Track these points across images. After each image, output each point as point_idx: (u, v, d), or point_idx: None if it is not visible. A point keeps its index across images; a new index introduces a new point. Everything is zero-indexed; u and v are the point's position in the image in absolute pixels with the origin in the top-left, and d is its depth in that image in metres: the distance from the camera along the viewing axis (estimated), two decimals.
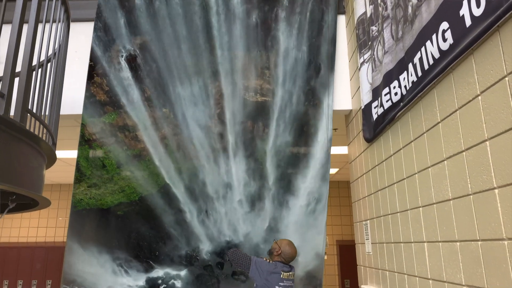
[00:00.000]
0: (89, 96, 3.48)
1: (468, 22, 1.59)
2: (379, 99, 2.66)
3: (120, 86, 3.52)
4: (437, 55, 1.86)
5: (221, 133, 3.49)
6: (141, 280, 3.34)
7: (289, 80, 3.54)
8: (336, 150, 5.21)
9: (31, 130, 1.90)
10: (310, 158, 3.47)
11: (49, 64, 2.32)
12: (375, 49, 2.81)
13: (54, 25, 2.28)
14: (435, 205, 1.98)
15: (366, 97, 2.98)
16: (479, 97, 1.60)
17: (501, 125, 1.46)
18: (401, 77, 2.32)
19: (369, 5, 2.96)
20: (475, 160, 1.63)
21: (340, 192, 7.90)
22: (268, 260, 2.94)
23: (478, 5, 1.52)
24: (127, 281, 3.33)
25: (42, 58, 2.37)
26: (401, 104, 2.32)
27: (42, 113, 2.13)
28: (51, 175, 7.18)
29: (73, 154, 5.28)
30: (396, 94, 2.40)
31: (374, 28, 2.85)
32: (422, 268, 2.13)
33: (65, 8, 2.42)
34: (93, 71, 3.52)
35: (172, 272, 3.37)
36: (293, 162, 3.46)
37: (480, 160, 1.59)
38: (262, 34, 3.59)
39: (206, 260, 3.40)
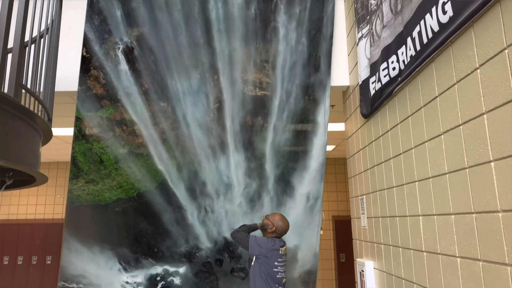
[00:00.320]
0: (86, 89, 3.40)
1: None
2: (377, 74, 2.64)
3: (117, 79, 3.44)
4: (436, 28, 1.84)
5: (220, 128, 3.44)
6: (140, 276, 3.33)
7: (288, 74, 3.47)
8: (333, 127, 5.20)
9: (26, 106, 1.88)
10: (308, 156, 3.45)
11: (42, 40, 2.28)
12: (374, 24, 2.77)
13: (46, 0, 2.22)
14: (431, 179, 1.99)
15: (364, 73, 2.96)
16: (478, 70, 1.59)
17: (499, 98, 1.45)
18: (399, 52, 2.30)
19: None
20: (472, 134, 1.63)
21: (336, 169, 7.99)
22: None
23: None
24: (125, 277, 3.32)
25: (35, 34, 2.32)
26: (399, 79, 2.31)
27: (37, 90, 2.10)
28: (47, 153, 7.16)
29: (69, 131, 5.26)
30: (394, 69, 2.38)
31: (372, 1, 2.80)
32: (416, 241, 2.16)
33: None
34: (90, 64, 3.42)
35: (171, 268, 3.36)
36: (293, 159, 3.43)
37: (477, 133, 1.60)
38: (261, 26, 3.50)
39: (205, 257, 3.39)
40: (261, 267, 2.82)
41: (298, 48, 3.48)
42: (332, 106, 4.21)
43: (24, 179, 2.35)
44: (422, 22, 1.97)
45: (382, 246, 2.71)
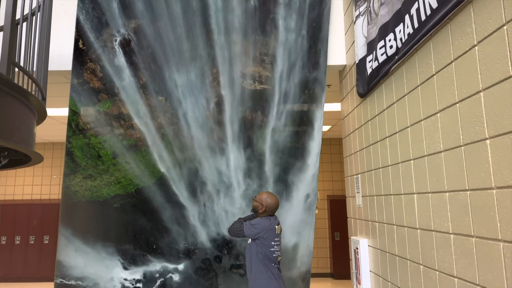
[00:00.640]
0: (83, 82, 3.32)
1: None
2: (374, 52, 2.62)
3: (114, 72, 3.35)
4: (435, 5, 1.81)
5: (219, 122, 3.39)
6: (138, 273, 3.31)
7: (288, 68, 3.42)
8: (329, 107, 5.20)
9: (20, 85, 1.86)
10: (307, 152, 3.43)
11: (34, 17, 2.23)
12: (371, 1, 2.73)
13: None
14: (426, 157, 2.01)
15: (361, 51, 2.93)
16: (476, 47, 1.58)
17: (497, 75, 1.45)
18: (397, 30, 2.27)
19: None
20: (468, 112, 1.63)
21: (331, 149, 8.04)
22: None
23: None
24: (124, 274, 3.30)
25: (27, 11, 2.27)
26: (396, 57, 2.29)
27: (30, 68, 2.07)
28: (43, 134, 7.13)
29: (64, 111, 5.22)
30: (391, 47, 2.36)
31: None
32: (411, 218, 2.19)
33: None
34: (86, 56, 3.34)
35: (170, 265, 3.34)
36: (293, 154, 3.42)
37: (473, 111, 1.60)
38: (261, 18, 3.41)
39: (204, 253, 3.37)
40: (258, 247, 2.84)
41: (298, 40, 3.42)
42: (328, 86, 4.19)
43: (19, 158, 2.34)
44: None
45: (377, 224, 2.74)
